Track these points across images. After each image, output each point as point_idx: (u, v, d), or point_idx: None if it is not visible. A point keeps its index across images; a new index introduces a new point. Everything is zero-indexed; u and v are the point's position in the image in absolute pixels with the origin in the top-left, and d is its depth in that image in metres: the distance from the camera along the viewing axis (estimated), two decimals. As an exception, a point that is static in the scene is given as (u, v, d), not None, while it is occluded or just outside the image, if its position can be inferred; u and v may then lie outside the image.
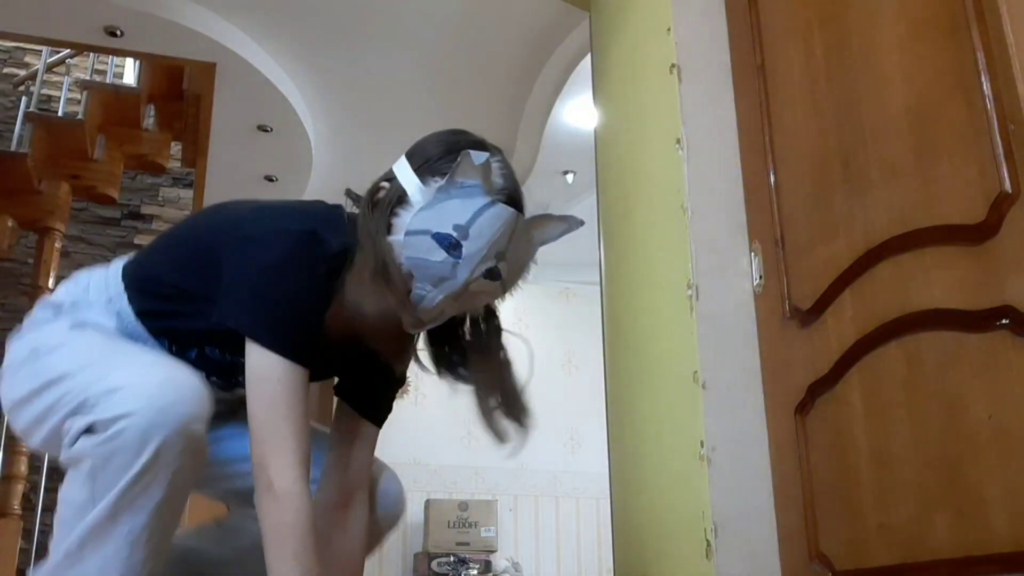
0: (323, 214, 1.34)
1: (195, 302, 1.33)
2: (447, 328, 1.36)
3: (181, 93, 4.68)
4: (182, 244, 1.41)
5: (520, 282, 1.33)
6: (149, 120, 4.95)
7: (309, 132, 4.59)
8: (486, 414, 1.40)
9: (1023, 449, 1.21)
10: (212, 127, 4.44)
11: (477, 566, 5.45)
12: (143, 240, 5.60)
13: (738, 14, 2.10)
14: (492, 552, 5.60)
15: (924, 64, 1.45)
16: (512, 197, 1.27)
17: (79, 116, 4.65)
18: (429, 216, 1.22)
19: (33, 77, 4.98)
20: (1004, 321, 1.25)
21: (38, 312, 1.42)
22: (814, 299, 1.70)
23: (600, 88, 2.69)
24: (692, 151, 2.00)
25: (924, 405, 1.40)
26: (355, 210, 1.32)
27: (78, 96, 5.02)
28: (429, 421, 6.21)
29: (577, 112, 4.41)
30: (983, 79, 1.32)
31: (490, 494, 6.11)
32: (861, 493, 1.53)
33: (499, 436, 1.41)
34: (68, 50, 4.72)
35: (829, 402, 1.65)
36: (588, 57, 2.88)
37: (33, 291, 4.37)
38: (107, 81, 4.94)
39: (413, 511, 5.97)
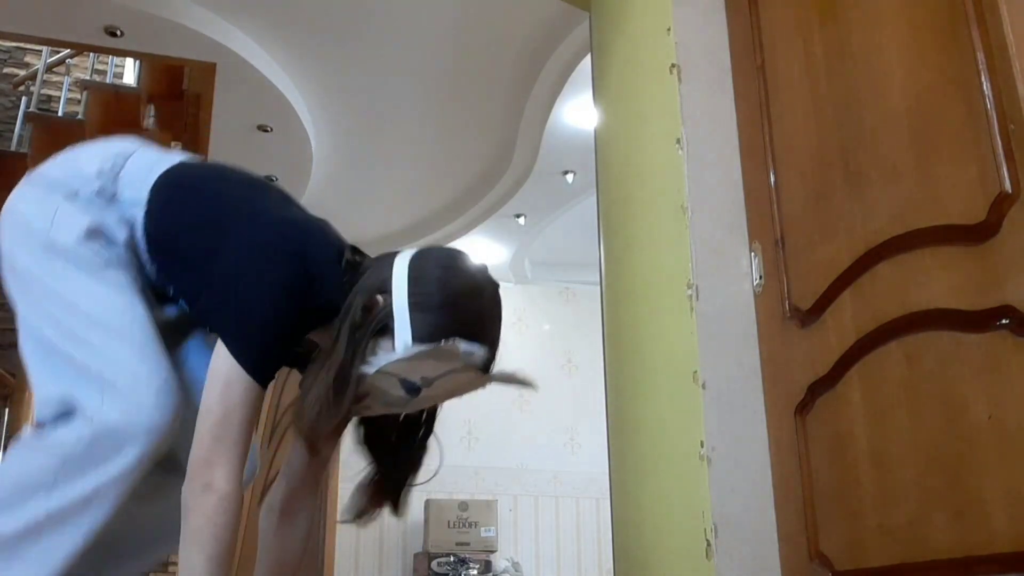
0: (325, 258, 1.38)
1: (190, 269, 1.41)
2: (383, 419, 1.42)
3: (181, 93, 4.68)
4: (198, 206, 1.45)
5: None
6: (149, 120, 4.94)
7: (309, 132, 4.59)
8: (377, 497, 1.45)
9: (1023, 449, 1.21)
10: (212, 127, 4.44)
11: (477, 566, 5.45)
12: (143, 240, 5.59)
13: (738, 14, 2.10)
14: (492, 552, 5.60)
15: (924, 64, 1.45)
16: (486, 362, 1.31)
17: (79, 116, 4.65)
18: (405, 367, 1.26)
19: (33, 77, 4.98)
20: (1004, 321, 1.25)
21: (61, 173, 1.44)
22: (814, 299, 1.70)
23: (600, 88, 2.69)
24: (692, 151, 2.00)
25: (924, 405, 1.40)
26: (355, 258, 1.38)
27: (78, 96, 5.02)
28: (429, 421, 6.21)
29: (577, 112, 4.41)
30: (983, 79, 1.32)
31: (490, 494, 6.10)
32: (861, 493, 1.53)
33: (365, 514, 1.45)
34: (68, 50, 4.72)
35: (829, 402, 1.65)
36: (588, 57, 2.88)
37: (33, 291, 4.36)
38: (107, 81, 4.94)
39: (413, 511, 5.97)
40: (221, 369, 1.30)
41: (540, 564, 6.16)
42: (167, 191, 1.45)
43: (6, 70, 5.66)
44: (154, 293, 1.46)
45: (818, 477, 1.66)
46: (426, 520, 5.62)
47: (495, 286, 1.37)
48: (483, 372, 1.30)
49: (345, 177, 5.17)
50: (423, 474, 1.46)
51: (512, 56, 4.08)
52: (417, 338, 1.25)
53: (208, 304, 1.37)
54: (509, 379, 1.35)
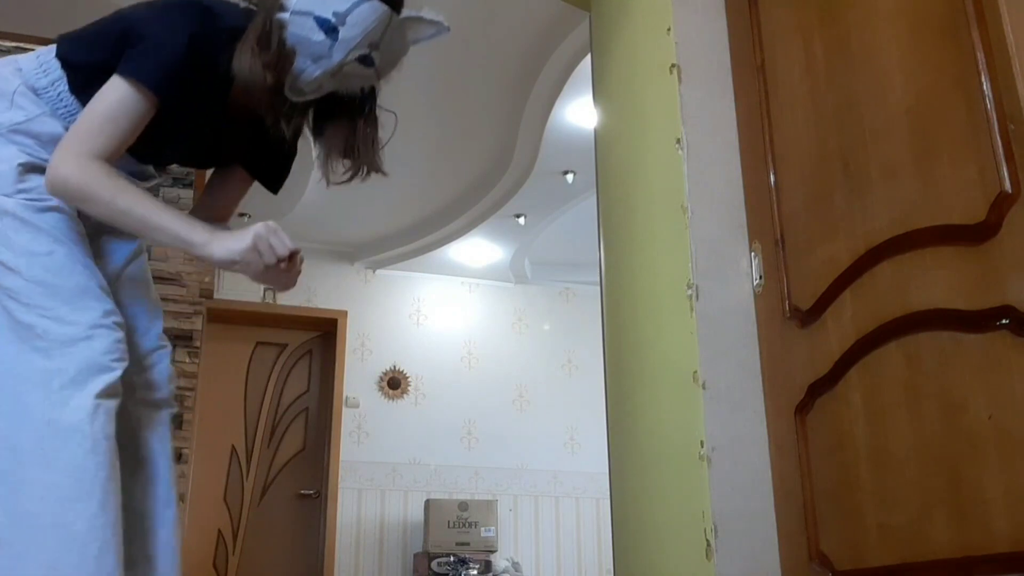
0: (224, 2, 1.52)
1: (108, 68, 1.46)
2: (329, 103, 1.56)
3: (181, 93, 4.68)
4: (106, 31, 1.55)
5: (392, 72, 1.54)
6: (149, 120, 4.94)
7: (309, 132, 4.59)
8: (329, 151, 1.59)
9: (1023, 449, 1.21)
10: (212, 127, 4.43)
11: (477, 566, 5.44)
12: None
13: (738, 14, 2.10)
14: (492, 552, 5.60)
15: (924, 64, 1.45)
16: None
17: (79, 116, 4.64)
18: (314, 1, 1.40)
19: (33, 77, 4.97)
20: (1004, 321, 1.25)
21: None
22: (814, 299, 1.70)
23: (600, 88, 2.69)
24: (692, 151, 2.00)
25: (924, 405, 1.40)
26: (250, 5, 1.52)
27: (78, 96, 5.01)
28: (429, 421, 6.21)
29: (577, 112, 4.41)
30: (983, 79, 1.32)
31: (490, 494, 6.10)
32: (861, 493, 1.53)
33: (325, 172, 1.59)
34: (68, 50, 4.71)
35: (829, 402, 1.65)
36: (588, 57, 2.88)
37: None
38: (107, 81, 4.94)
39: (413, 511, 5.97)
40: (108, 87, 1.40)
41: (540, 564, 6.16)
42: (70, 40, 1.56)
43: (6, 70, 5.65)
44: None
45: (818, 477, 1.66)
46: (426, 520, 5.61)
47: None
48: (391, 9, 1.44)
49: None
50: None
51: (512, 56, 4.08)
52: None
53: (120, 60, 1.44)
54: (417, 18, 1.48)
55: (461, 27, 3.85)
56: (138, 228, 1.42)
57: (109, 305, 1.44)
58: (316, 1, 1.40)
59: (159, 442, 1.59)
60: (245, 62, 1.41)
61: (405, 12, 1.48)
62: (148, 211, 1.39)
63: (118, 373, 1.40)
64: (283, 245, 1.42)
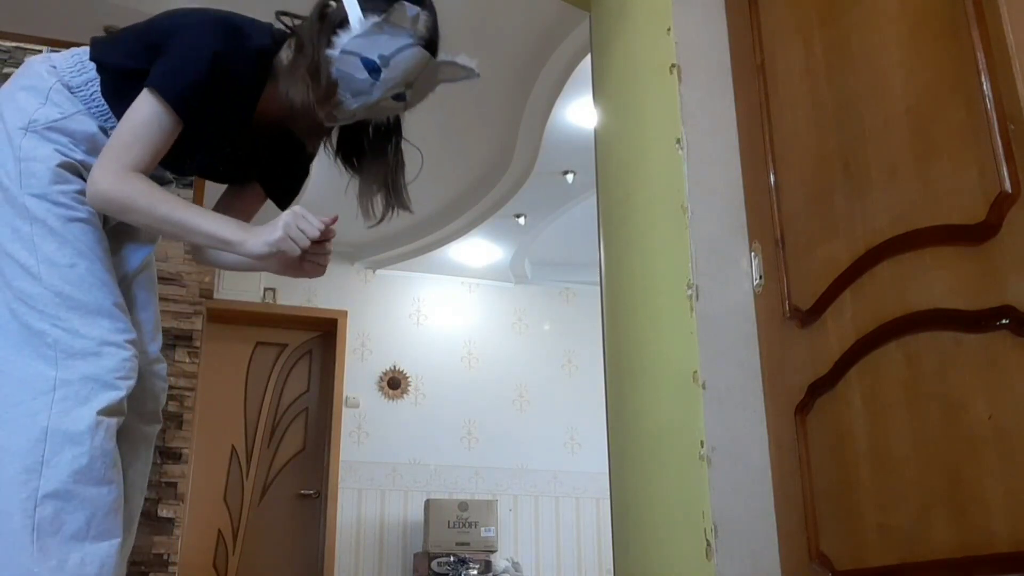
0: (253, 21, 1.59)
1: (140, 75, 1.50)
2: (356, 127, 1.64)
3: (181, 93, 4.67)
4: (138, 39, 1.57)
5: (419, 104, 1.61)
6: (149, 120, 4.93)
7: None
8: (364, 196, 1.66)
9: (1023, 449, 1.21)
10: (212, 127, 4.43)
11: (477, 566, 5.44)
12: (143, 240, 5.59)
13: (738, 14, 2.10)
14: (492, 552, 5.60)
15: (924, 64, 1.45)
16: (430, 43, 1.53)
17: (79, 116, 4.63)
18: (363, 43, 1.47)
19: (33, 77, 4.97)
20: (1004, 321, 1.25)
21: (10, 114, 1.50)
22: (814, 299, 1.70)
23: (600, 88, 2.69)
24: (692, 151, 2.00)
25: (924, 405, 1.40)
26: (281, 25, 1.58)
27: (78, 96, 5.01)
28: (429, 421, 6.22)
29: (577, 112, 4.42)
30: (983, 79, 1.32)
31: (490, 494, 6.11)
32: (861, 493, 1.53)
33: (366, 214, 1.65)
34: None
35: (829, 402, 1.65)
36: (588, 57, 2.88)
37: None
38: (107, 81, 4.93)
39: (413, 511, 5.97)
40: (139, 101, 1.45)
41: (540, 564, 6.16)
42: (104, 44, 1.57)
43: (6, 70, 5.66)
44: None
45: (818, 477, 1.66)
46: (426, 520, 5.61)
47: None
48: (431, 54, 1.52)
49: (345, 177, 5.17)
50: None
51: (512, 56, 4.08)
52: (368, 12, 1.47)
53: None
54: (452, 63, 1.57)
55: (461, 27, 3.85)
56: (176, 233, 1.46)
57: (123, 324, 1.44)
58: (365, 43, 1.47)
59: (143, 463, 1.59)
60: (300, 93, 1.48)
61: (441, 56, 1.55)
62: (184, 217, 1.44)
63: (123, 393, 1.40)
64: (313, 227, 1.45)
